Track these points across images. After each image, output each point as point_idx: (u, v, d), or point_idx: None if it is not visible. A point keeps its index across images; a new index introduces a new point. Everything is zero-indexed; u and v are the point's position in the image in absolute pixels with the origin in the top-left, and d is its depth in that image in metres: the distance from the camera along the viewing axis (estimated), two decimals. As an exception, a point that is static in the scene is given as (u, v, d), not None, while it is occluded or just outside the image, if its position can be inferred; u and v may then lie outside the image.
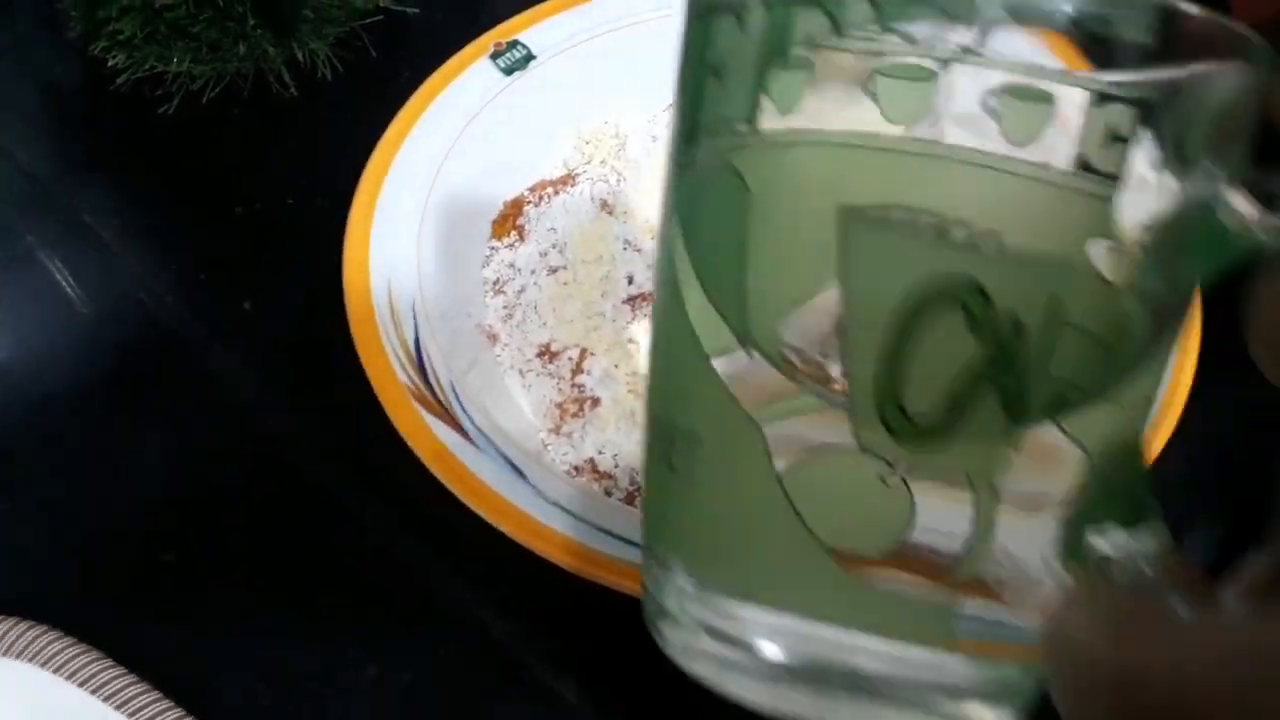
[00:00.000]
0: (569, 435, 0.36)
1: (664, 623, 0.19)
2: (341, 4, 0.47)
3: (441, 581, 0.35)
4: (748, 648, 0.18)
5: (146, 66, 0.46)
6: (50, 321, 0.42)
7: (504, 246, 0.40)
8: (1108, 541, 0.16)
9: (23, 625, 0.31)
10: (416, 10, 0.49)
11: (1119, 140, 0.16)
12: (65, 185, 0.46)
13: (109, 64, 0.46)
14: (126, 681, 0.31)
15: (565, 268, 0.39)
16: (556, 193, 0.41)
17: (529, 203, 0.41)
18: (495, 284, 0.40)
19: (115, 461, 0.38)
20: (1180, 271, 0.16)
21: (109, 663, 0.31)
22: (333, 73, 0.48)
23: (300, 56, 0.47)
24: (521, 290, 0.39)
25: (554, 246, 0.40)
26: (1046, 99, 0.16)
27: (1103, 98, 0.16)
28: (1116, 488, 0.16)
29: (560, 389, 0.37)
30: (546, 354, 0.38)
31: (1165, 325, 0.17)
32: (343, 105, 0.48)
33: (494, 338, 0.39)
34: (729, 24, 0.17)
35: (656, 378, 0.19)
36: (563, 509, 0.31)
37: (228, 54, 0.46)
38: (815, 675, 0.18)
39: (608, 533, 0.30)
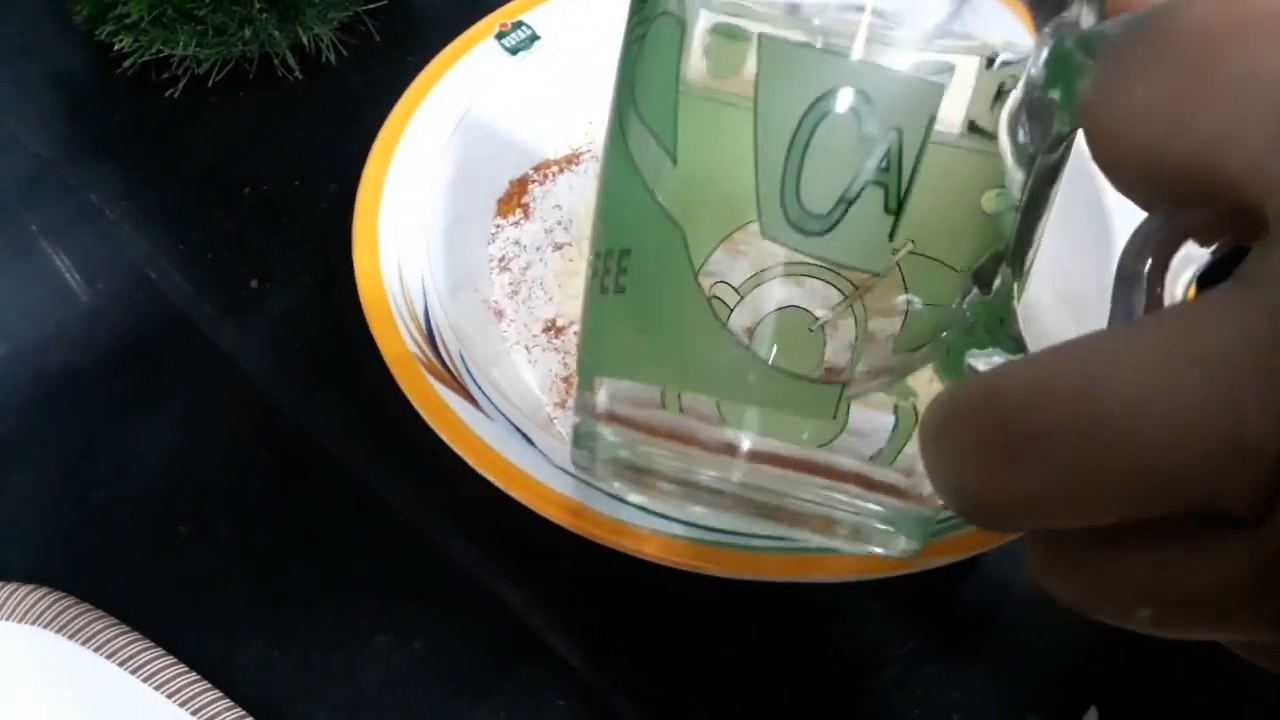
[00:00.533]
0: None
1: (591, 451, 0.22)
2: (346, -12, 0.48)
3: (453, 550, 0.35)
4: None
5: (153, 50, 0.46)
6: (61, 301, 0.42)
7: (509, 224, 0.41)
8: (983, 361, 0.18)
9: (40, 591, 0.32)
10: (420, -5, 0.50)
11: (1002, 97, 0.18)
12: (73, 168, 0.46)
13: (115, 48, 0.47)
14: (142, 646, 0.31)
15: (570, 244, 0.40)
16: (561, 171, 0.41)
17: (534, 181, 0.42)
18: (501, 261, 0.40)
19: (130, 439, 0.38)
20: (1045, 119, 0.18)
21: (125, 628, 0.32)
22: (337, 57, 0.48)
23: (305, 40, 0.47)
24: (527, 267, 0.40)
25: (559, 223, 0.40)
26: (948, 69, 0.18)
27: (990, 62, 0.18)
28: (992, 320, 0.18)
29: (566, 364, 0.38)
30: (552, 329, 0.38)
31: (1039, 180, 0.18)
32: (347, 89, 0.48)
33: (500, 314, 0.39)
34: None
35: (599, 216, 0.22)
36: (571, 475, 0.31)
37: (233, 38, 0.46)
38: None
39: (613, 496, 0.31)
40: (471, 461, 0.31)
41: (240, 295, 0.42)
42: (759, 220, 0.19)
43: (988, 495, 0.14)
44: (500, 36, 0.42)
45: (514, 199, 0.41)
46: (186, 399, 0.39)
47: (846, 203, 0.18)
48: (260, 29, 0.46)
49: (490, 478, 0.31)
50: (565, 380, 0.37)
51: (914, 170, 0.18)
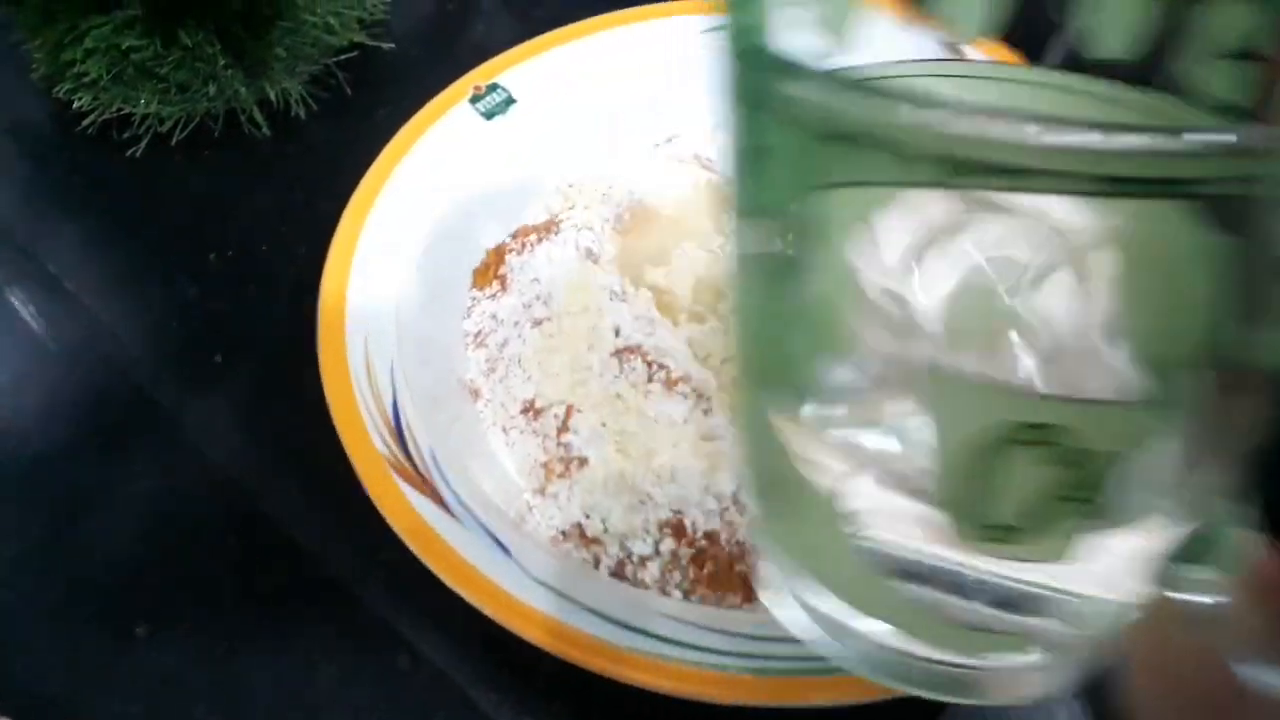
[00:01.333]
0: (555, 497, 0.35)
1: (773, 597, 0.21)
2: (315, 41, 0.46)
3: (425, 649, 0.34)
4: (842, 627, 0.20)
5: (113, 108, 0.45)
6: (12, 379, 0.40)
7: (486, 297, 0.39)
8: (1188, 573, 0.18)
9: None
10: (392, 45, 0.48)
11: None
12: (30, 232, 0.44)
13: (74, 106, 0.45)
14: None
15: (550, 319, 0.38)
16: (540, 240, 0.39)
17: (511, 250, 0.40)
18: (477, 336, 0.38)
19: (86, 531, 0.36)
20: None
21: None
22: (307, 111, 0.46)
23: (273, 95, 0.45)
24: (504, 343, 0.38)
25: (538, 297, 0.38)
26: None
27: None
28: (1209, 540, 0.18)
29: (545, 448, 0.36)
30: (531, 410, 0.37)
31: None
32: (318, 144, 0.47)
33: (476, 393, 0.37)
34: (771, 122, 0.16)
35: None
36: (547, 586, 0.29)
37: (197, 94, 0.45)
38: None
39: (594, 612, 0.29)
40: (442, 575, 0.29)
41: (203, 372, 0.40)
42: (950, 530, 0.18)
43: None
44: (475, 100, 0.40)
45: (491, 269, 0.40)
46: (146, 487, 0.37)
47: (1038, 514, 0.17)
48: (225, 85, 0.44)
49: (462, 593, 0.29)
50: (544, 466, 0.36)
51: (1113, 480, 0.17)
